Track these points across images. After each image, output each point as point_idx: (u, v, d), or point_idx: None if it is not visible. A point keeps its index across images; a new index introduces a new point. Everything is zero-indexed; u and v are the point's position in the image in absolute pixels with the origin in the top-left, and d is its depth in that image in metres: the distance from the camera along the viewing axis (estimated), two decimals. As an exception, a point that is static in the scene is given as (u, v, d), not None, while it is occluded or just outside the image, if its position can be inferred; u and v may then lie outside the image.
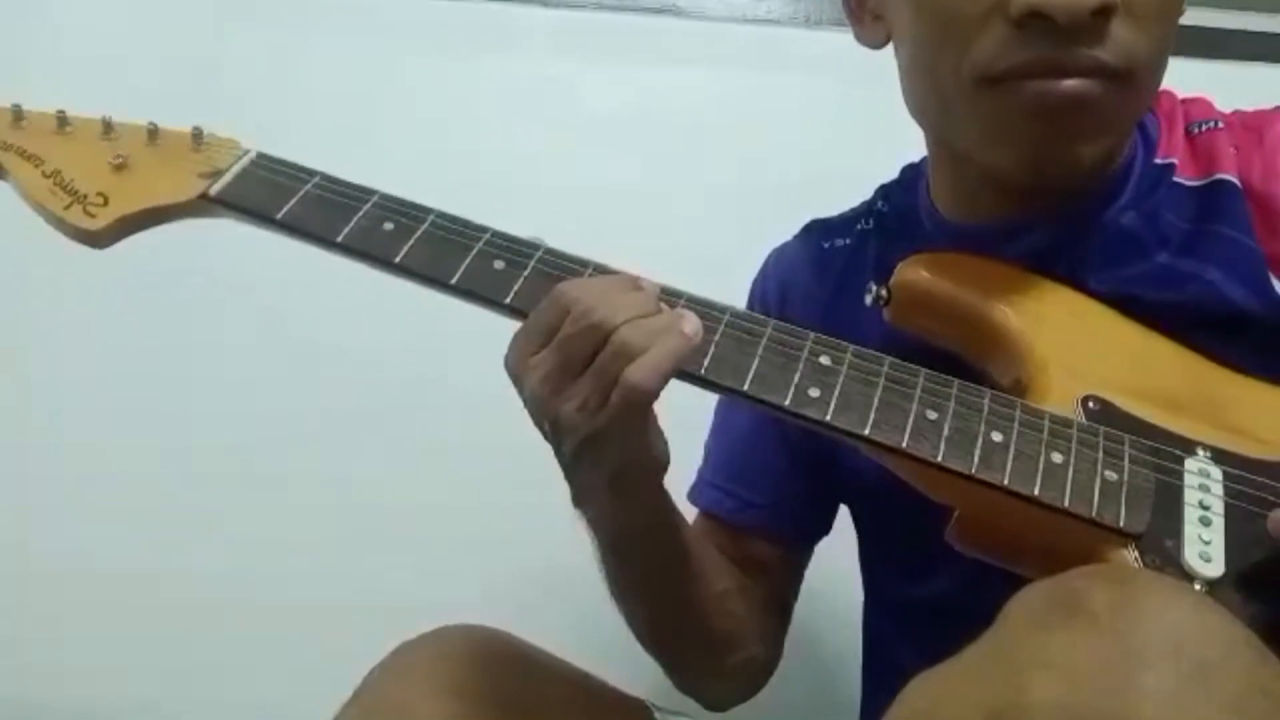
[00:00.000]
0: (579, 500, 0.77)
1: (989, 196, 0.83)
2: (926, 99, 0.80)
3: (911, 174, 0.95)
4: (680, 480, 1.02)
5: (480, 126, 1.46)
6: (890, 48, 0.84)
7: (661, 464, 0.76)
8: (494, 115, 1.47)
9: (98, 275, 1.32)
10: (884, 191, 0.98)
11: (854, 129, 1.40)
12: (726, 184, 1.42)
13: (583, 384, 0.68)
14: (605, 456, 0.71)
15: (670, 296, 0.74)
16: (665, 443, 0.75)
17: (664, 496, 0.81)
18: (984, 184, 0.82)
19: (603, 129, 1.46)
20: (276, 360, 1.40)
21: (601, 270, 0.75)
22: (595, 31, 1.49)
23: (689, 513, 1.00)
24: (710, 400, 1.02)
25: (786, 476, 0.98)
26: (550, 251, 0.76)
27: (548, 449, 0.74)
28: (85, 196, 0.77)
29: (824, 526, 1.02)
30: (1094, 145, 0.76)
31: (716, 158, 1.44)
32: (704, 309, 0.73)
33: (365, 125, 1.43)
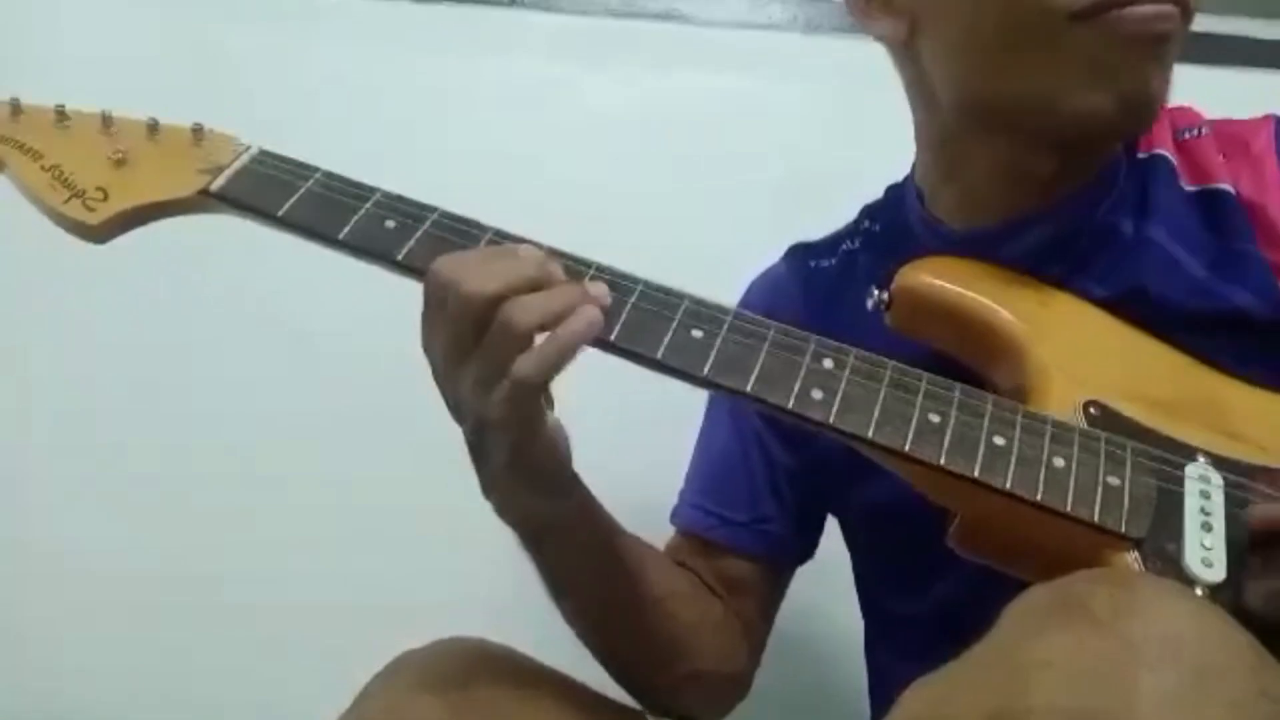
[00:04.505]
0: (485, 488, 0.76)
1: (996, 192, 0.83)
2: (996, 60, 0.77)
3: (896, 193, 0.95)
4: (672, 495, 1.03)
5: (483, 131, 1.46)
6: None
7: (557, 453, 0.75)
8: (497, 120, 1.46)
9: (98, 275, 1.33)
10: (869, 212, 0.98)
11: (853, 135, 1.40)
12: (726, 189, 1.42)
13: (474, 361, 0.69)
14: (500, 440, 0.71)
15: (586, 267, 0.74)
16: (559, 433, 0.74)
17: (574, 490, 0.80)
18: (998, 176, 0.82)
19: (604, 134, 1.46)
20: (276, 360, 1.40)
21: (610, 271, 0.75)
22: (597, 37, 1.49)
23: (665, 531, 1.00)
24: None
25: (766, 495, 0.97)
26: (555, 252, 0.75)
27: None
28: (84, 191, 0.76)
29: (806, 549, 1.01)
30: (1167, 83, 0.76)
31: (717, 163, 1.43)
32: (707, 310, 0.74)
33: (366, 128, 1.43)
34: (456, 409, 0.73)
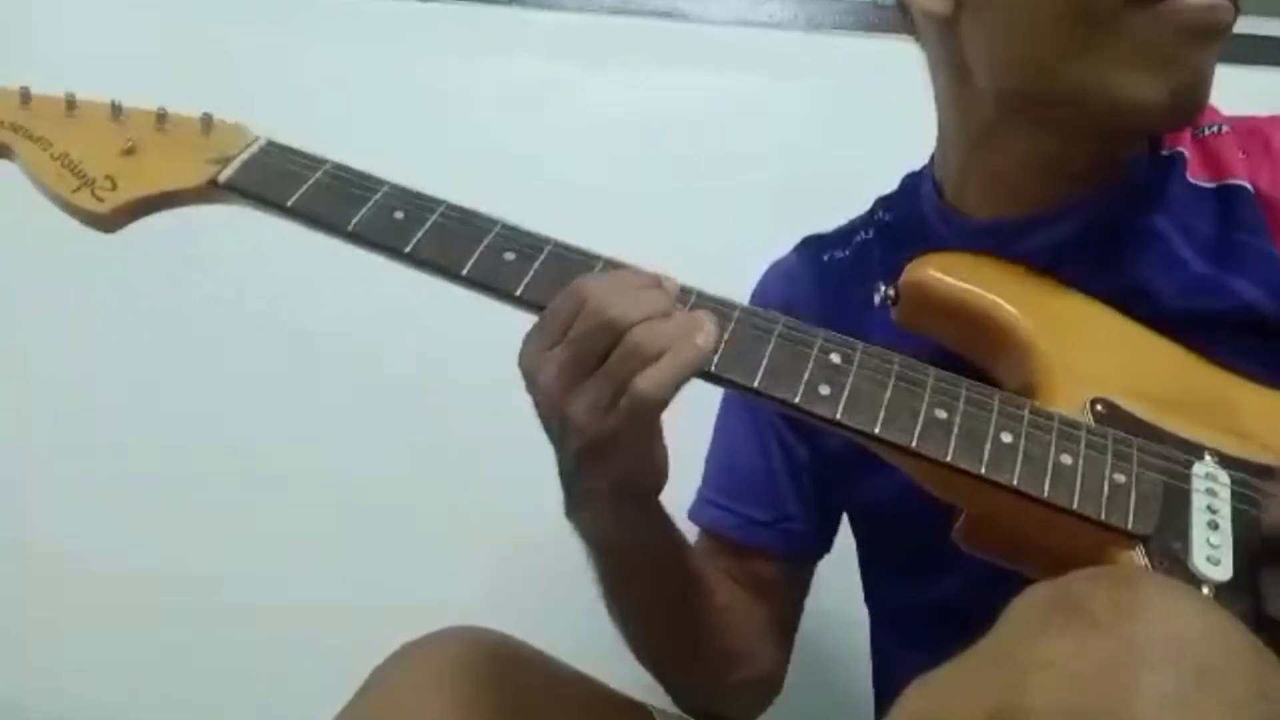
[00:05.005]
0: (574, 508, 0.76)
1: (1024, 184, 0.82)
2: (1047, 43, 0.76)
3: (912, 182, 0.94)
4: (684, 493, 1.02)
5: (483, 129, 1.46)
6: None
7: (662, 476, 0.75)
8: (496, 117, 1.47)
9: (98, 275, 1.34)
10: (884, 202, 0.97)
11: (854, 132, 1.41)
12: (727, 187, 1.42)
13: (594, 383, 0.68)
14: (609, 463, 0.71)
15: (686, 294, 0.73)
16: (666, 456, 0.74)
17: (661, 509, 0.81)
18: (1030, 167, 0.81)
19: (604, 131, 1.46)
20: (276, 360, 1.40)
21: (613, 265, 0.75)
22: (597, 34, 1.49)
23: (689, 530, 1.00)
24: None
25: (788, 492, 0.97)
26: (561, 245, 0.75)
27: (549, 448, 0.74)
28: (94, 180, 0.76)
29: (826, 543, 1.01)
30: (1212, 78, 0.75)
31: (717, 160, 1.43)
32: (715, 305, 0.73)
33: (366, 128, 1.42)
34: (561, 429, 0.71)
